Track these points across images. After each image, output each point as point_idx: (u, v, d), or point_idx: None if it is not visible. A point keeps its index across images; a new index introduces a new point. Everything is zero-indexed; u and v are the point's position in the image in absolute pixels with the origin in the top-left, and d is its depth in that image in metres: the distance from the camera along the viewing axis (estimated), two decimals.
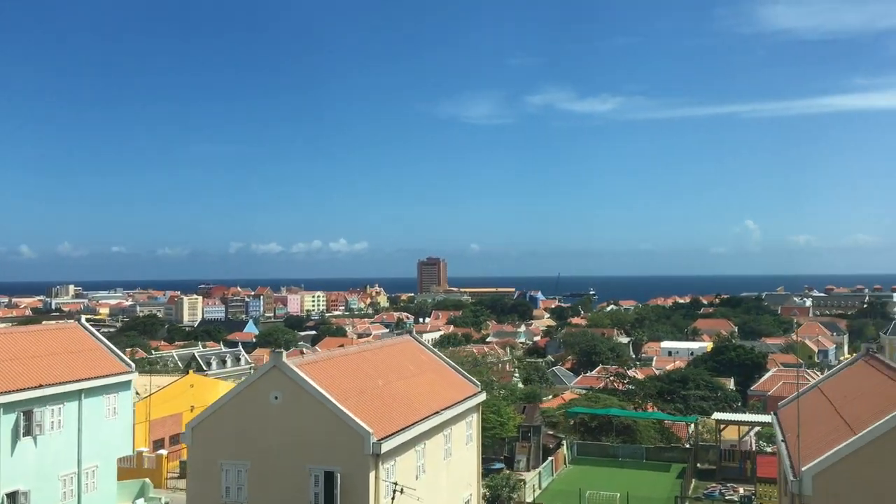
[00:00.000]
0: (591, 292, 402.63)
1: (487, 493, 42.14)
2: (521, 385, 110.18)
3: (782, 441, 27.16)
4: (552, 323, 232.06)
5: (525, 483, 44.51)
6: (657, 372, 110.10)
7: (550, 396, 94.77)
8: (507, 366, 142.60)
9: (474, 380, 36.97)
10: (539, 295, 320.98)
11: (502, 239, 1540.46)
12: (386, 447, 26.04)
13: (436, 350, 37.86)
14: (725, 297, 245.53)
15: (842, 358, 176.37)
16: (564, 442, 55.20)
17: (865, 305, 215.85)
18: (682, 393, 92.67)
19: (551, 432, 57.09)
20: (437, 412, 30.84)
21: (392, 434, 26.80)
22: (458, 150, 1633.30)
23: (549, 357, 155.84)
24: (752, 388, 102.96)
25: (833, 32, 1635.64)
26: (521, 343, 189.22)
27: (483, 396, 36.88)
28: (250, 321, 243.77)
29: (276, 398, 26.95)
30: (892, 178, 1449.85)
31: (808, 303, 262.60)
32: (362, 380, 29.69)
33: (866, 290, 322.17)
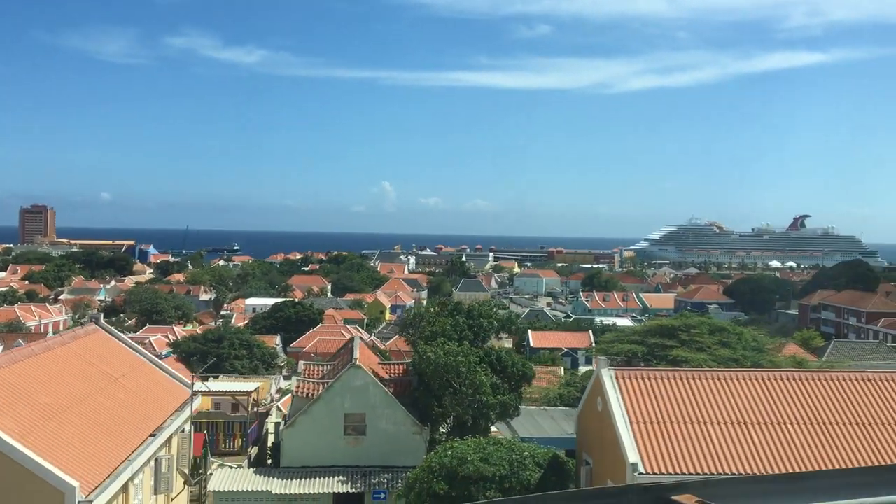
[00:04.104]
0: (235, 247, 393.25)
1: None
2: None
3: None
4: (149, 279, 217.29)
5: None
6: None
7: None
8: (62, 325, 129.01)
9: None
10: (151, 249, 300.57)
11: (140, 189, 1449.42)
12: None
13: None
14: (334, 254, 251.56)
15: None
16: None
17: (449, 264, 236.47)
18: (216, 352, 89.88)
19: None
20: None
21: None
22: (89, 88, 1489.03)
23: (123, 315, 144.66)
24: (290, 346, 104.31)
25: (464, 11, 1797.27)
26: (99, 301, 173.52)
27: None
28: None
29: None
30: (501, 150, 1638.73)
31: (412, 260, 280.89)
32: None
33: (467, 250, 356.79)
